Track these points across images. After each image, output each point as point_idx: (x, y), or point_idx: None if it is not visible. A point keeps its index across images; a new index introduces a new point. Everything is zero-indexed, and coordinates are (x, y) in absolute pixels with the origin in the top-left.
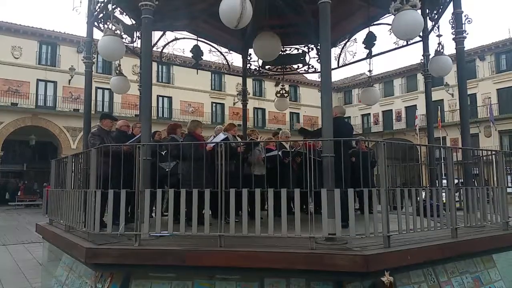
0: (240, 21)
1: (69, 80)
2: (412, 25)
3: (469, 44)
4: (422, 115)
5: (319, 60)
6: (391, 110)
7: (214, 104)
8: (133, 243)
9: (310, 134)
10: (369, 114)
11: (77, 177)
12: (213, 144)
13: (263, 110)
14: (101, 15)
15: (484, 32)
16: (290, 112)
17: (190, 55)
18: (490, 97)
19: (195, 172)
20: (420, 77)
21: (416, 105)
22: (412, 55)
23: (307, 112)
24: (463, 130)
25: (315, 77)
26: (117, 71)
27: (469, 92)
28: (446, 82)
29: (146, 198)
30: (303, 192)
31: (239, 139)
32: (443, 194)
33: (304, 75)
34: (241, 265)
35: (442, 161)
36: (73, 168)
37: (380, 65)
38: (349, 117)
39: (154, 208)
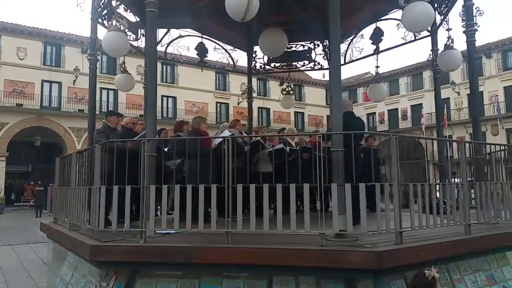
0: (247, 13)
1: (74, 81)
2: (423, 17)
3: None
4: (428, 113)
5: (325, 57)
6: (397, 109)
7: (218, 104)
8: (138, 241)
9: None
10: (375, 113)
11: (82, 175)
12: (218, 141)
13: (268, 109)
14: (105, 11)
15: (490, 30)
16: (295, 112)
17: (195, 53)
18: (497, 95)
19: (200, 168)
20: (426, 75)
21: (422, 103)
22: (418, 53)
23: (312, 112)
24: (475, 125)
25: (320, 76)
26: (121, 69)
27: None
28: (452, 81)
29: (151, 194)
30: (310, 189)
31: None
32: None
33: (309, 74)
34: (249, 262)
35: (450, 159)
36: (77, 166)
37: (386, 64)
38: None
39: (158, 207)
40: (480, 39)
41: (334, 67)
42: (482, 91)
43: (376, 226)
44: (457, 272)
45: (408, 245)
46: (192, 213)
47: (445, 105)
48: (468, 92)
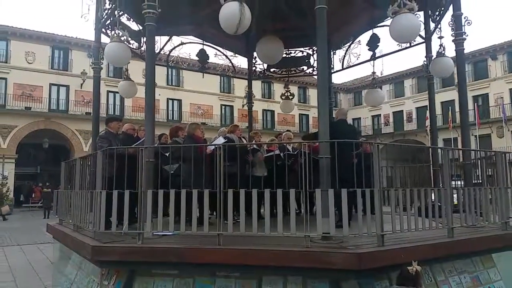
0: (239, 27)
1: (81, 84)
2: (408, 29)
3: (481, 43)
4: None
5: None
6: (402, 111)
7: (223, 106)
8: (137, 242)
9: (310, 137)
10: (379, 115)
11: (86, 179)
12: (213, 148)
13: (272, 112)
14: (108, 21)
15: (496, 31)
16: (300, 114)
17: (196, 58)
18: (502, 97)
19: (194, 174)
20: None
21: (427, 105)
22: (423, 55)
23: (317, 114)
24: (463, 131)
25: None
26: (124, 76)
27: (481, 92)
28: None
29: (148, 198)
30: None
31: (244, 141)
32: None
33: (314, 76)
34: (239, 262)
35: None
36: (81, 170)
37: (391, 66)
38: (359, 118)
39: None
40: (486, 41)
41: (321, 77)
42: (487, 93)
43: (364, 229)
44: (442, 274)
45: (389, 247)
46: (187, 216)
47: (450, 107)
48: (474, 94)
